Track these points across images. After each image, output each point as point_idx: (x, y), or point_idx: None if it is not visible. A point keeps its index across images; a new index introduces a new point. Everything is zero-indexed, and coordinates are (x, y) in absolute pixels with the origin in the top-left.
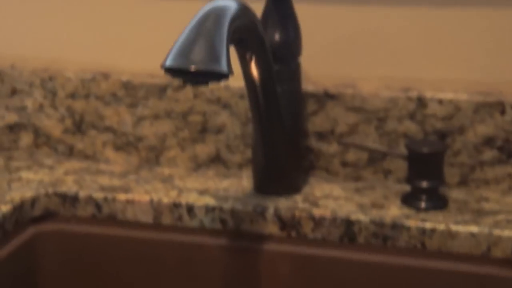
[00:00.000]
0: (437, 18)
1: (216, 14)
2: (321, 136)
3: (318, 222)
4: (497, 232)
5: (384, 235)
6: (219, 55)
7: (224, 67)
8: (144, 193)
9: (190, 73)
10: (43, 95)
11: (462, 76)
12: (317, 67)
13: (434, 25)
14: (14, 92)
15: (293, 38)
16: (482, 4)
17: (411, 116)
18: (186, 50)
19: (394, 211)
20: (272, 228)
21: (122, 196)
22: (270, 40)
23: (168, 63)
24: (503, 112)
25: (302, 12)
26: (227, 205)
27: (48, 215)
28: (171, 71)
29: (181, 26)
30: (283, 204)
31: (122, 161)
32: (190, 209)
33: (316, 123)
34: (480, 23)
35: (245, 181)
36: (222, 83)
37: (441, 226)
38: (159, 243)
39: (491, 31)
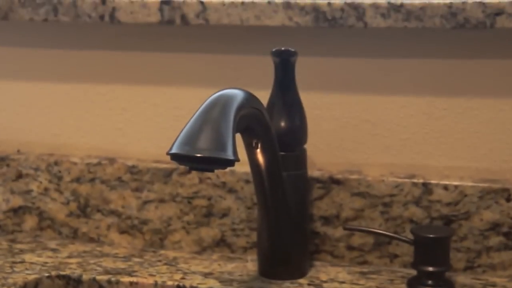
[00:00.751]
0: (441, 106)
1: (222, 103)
2: (327, 220)
3: None
4: None
5: None
6: (225, 142)
7: (230, 155)
8: (148, 275)
9: (196, 160)
10: (49, 179)
11: (467, 164)
12: (323, 153)
13: (439, 113)
14: (19, 176)
15: (299, 125)
16: (486, 94)
17: (417, 202)
18: (192, 138)
19: None
20: None
21: (126, 279)
22: (276, 127)
23: (174, 150)
24: (508, 199)
25: (308, 99)
26: None
27: None
28: (177, 158)
29: (188, 114)
30: None
31: (127, 244)
32: None
33: (322, 207)
34: (484, 111)
35: (250, 264)
36: (228, 169)
37: None
38: None
39: (496, 120)
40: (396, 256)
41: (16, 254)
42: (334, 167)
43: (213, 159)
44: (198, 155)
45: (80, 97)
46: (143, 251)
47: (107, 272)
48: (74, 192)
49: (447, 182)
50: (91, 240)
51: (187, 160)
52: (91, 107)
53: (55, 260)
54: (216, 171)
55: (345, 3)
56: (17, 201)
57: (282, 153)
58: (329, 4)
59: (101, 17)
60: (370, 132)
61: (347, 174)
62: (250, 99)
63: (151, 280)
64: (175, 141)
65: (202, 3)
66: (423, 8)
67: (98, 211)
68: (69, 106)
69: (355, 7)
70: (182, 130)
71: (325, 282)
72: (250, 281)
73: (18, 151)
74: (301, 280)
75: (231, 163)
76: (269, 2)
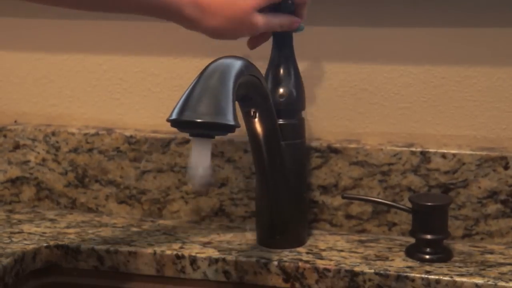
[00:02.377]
0: (440, 75)
1: (221, 70)
2: (325, 189)
3: (322, 274)
4: (502, 284)
5: (389, 287)
6: (225, 108)
7: (230, 120)
8: (147, 245)
9: (196, 126)
10: (46, 150)
11: (465, 132)
12: (321, 122)
13: (437, 82)
14: (17, 146)
15: (297, 93)
16: (485, 62)
17: (415, 170)
18: (192, 104)
19: (398, 263)
20: (276, 280)
21: (124, 248)
22: (274, 96)
23: (174, 116)
24: (506, 166)
25: (307, 69)
26: (230, 257)
27: (49, 268)
28: (177, 124)
29: (186, 83)
30: (287, 256)
31: (125, 214)
32: (193, 261)
33: (320, 176)
34: (482, 80)
35: (248, 234)
36: (226, 138)
37: (445, 278)
38: None
39: (494, 88)
40: (394, 224)
41: (14, 225)
42: (332, 136)
43: (213, 125)
44: (199, 120)
45: (77, 67)
46: (141, 221)
47: (105, 242)
48: (72, 162)
49: (445, 151)
50: (90, 210)
51: (188, 126)
52: (88, 78)
53: (54, 230)
54: (213, 140)
55: None
56: (14, 172)
57: (280, 121)
58: None
59: None
60: (368, 101)
61: (345, 143)
62: (248, 66)
63: (149, 250)
64: (175, 108)
65: None
66: None
67: (96, 181)
68: (66, 77)
69: None
70: (182, 97)
71: (324, 250)
72: (249, 250)
73: (15, 121)
74: (300, 249)
75: (231, 128)
76: None
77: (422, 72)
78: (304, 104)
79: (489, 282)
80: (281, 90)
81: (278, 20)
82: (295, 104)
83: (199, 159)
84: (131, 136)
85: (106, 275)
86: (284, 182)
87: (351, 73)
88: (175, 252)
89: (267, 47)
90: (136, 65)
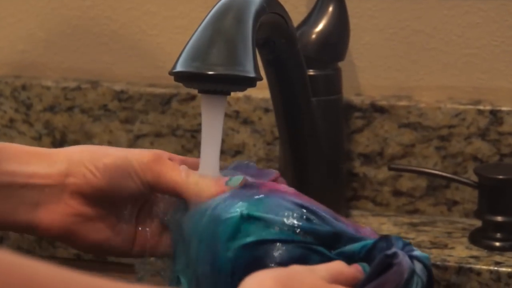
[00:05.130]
0: None
1: (237, 8)
2: (368, 158)
3: None
4: None
5: (448, 282)
6: (244, 57)
7: (250, 71)
8: None
9: (207, 79)
10: (15, 108)
11: None
12: (363, 74)
13: None
14: None
15: (334, 35)
16: None
17: (483, 134)
18: (202, 52)
19: (460, 251)
20: None
21: None
22: (303, 39)
23: (180, 67)
24: None
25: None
26: None
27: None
28: (184, 77)
29: (192, 24)
30: None
31: None
32: None
33: (361, 142)
34: None
35: None
36: (242, 93)
37: None
38: None
39: None
40: (455, 203)
41: None
42: (377, 91)
43: (229, 77)
44: (210, 72)
45: (53, 2)
46: None
47: None
48: (47, 124)
49: None
50: None
51: (197, 79)
52: (68, 16)
53: None
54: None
55: None
56: None
57: (311, 72)
58: None
59: None
60: (424, 46)
61: (393, 100)
62: (270, 2)
63: None
64: (179, 57)
65: None
66: None
67: None
68: (39, 15)
69: None
70: (188, 43)
71: None
72: None
73: None
74: None
75: (252, 82)
76: None
77: (494, 8)
78: (345, 51)
79: None
80: (312, 32)
81: None
82: (331, 51)
83: (210, 121)
84: (121, 91)
85: (90, 265)
86: (315, 149)
87: (402, 10)
88: None
89: None
90: (128, 0)
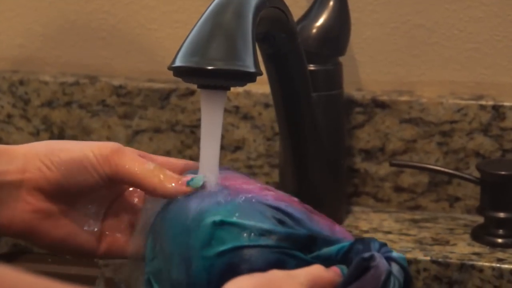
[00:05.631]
0: None
1: (237, 2)
2: (369, 154)
3: None
4: None
5: (450, 279)
6: (243, 51)
7: (250, 66)
8: None
9: (207, 74)
10: (12, 103)
11: None
12: (364, 68)
13: None
14: None
15: (335, 29)
16: None
17: (485, 130)
18: (201, 46)
19: (462, 248)
20: None
21: None
22: (303, 33)
23: (179, 62)
24: None
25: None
26: None
27: (18, 253)
28: (183, 72)
29: (191, 18)
30: None
31: None
32: None
33: (362, 138)
34: None
35: None
36: (242, 88)
37: None
38: None
39: None
40: (457, 199)
41: None
42: (378, 86)
43: (229, 72)
44: (210, 67)
45: None
46: None
47: None
48: (45, 119)
49: None
50: None
51: (196, 74)
52: (66, 10)
53: None
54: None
55: None
56: None
57: (312, 67)
58: None
59: None
60: (425, 40)
61: (395, 95)
62: None
63: None
64: (179, 52)
65: None
66: None
67: None
68: (37, 10)
69: None
70: (187, 37)
71: (366, 232)
72: None
73: None
74: None
75: (252, 76)
76: None
77: (496, 3)
78: (346, 46)
79: None
80: (312, 27)
81: None
82: (331, 45)
83: (210, 117)
84: (120, 86)
85: (88, 263)
86: (316, 145)
87: (403, 4)
88: None
89: None
90: None
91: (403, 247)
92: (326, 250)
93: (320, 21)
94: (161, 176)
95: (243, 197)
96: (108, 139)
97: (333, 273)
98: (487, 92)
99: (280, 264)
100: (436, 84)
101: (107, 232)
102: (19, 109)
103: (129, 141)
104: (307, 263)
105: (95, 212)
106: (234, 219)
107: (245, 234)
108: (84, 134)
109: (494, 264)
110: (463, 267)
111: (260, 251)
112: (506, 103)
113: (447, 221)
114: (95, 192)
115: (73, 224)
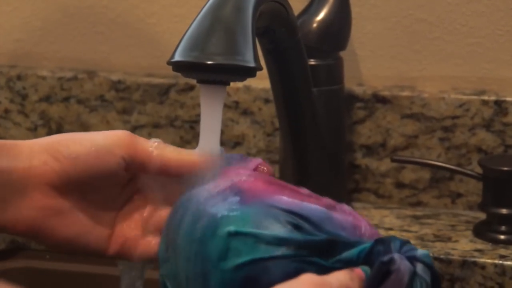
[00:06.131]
0: None
1: None
2: (370, 150)
3: None
4: None
5: (452, 276)
6: (243, 46)
7: (250, 61)
8: None
9: (206, 69)
10: (10, 98)
11: None
12: (365, 63)
13: None
14: None
15: (336, 24)
16: None
17: (487, 125)
18: (201, 41)
19: (464, 245)
20: None
21: None
22: (307, 27)
23: (178, 57)
24: None
25: None
26: None
27: (15, 250)
28: (182, 67)
29: (190, 12)
30: None
31: None
32: None
33: (363, 133)
34: None
35: None
36: (242, 84)
37: None
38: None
39: None
40: (459, 195)
41: None
42: (379, 81)
43: (228, 67)
44: (209, 62)
45: None
46: None
47: None
48: (43, 114)
49: None
50: None
51: (195, 69)
52: (64, 4)
53: None
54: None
55: None
56: None
57: (312, 62)
58: None
59: None
60: (427, 35)
61: (396, 90)
62: None
63: None
64: (178, 46)
65: None
66: None
67: None
68: (35, 3)
69: None
70: (186, 32)
71: None
72: None
73: None
74: None
75: (252, 71)
76: None
77: None
78: (347, 40)
79: None
80: (313, 21)
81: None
82: (332, 40)
83: (209, 112)
84: (119, 81)
85: (88, 260)
86: (316, 140)
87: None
88: None
89: None
90: None
91: None
92: (346, 254)
93: (321, 15)
94: (178, 149)
95: (256, 201)
96: None
97: (358, 280)
98: (489, 87)
99: (300, 273)
100: (437, 79)
101: (118, 233)
102: (17, 104)
103: None
104: (328, 269)
105: (107, 211)
106: (249, 229)
107: (261, 245)
108: (83, 129)
109: (496, 261)
110: (465, 264)
111: (278, 263)
112: (508, 98)
113: (449, 217)
114: (108, 187)
115: (83, 222)
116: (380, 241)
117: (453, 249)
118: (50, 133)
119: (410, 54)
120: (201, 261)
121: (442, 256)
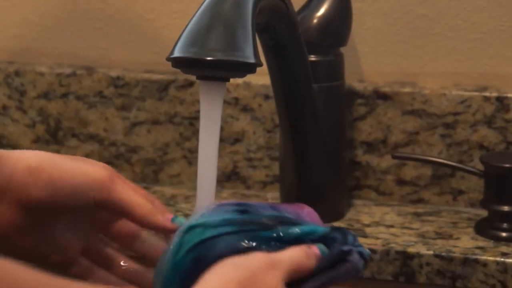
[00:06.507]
0: None
1: None
2: (371, 147)
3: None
4: None
5: (453, 273)
6: (243, 42)
7: (250, 57)
8: None
9: (206, 65)
10: (8, 94)
11: None
12: (366, 59)
13: None
14: None
15: (336, 19)
16: None
17: (489, 122)
18: (200, 37)
19: (465, 242)
20: None
21: None
22: (307, 23)
23: (178, 53)
24: None
25: None
26: None
27: None
28: (181, 63)
29: (190, 9)
30: None
31: None
32: None
33: (364, 130)
34: None
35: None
36: (241, 80)
37: None
38: None
39: None
40: (460, 192)
41: None
42: (380, 77)
43: (228, 63)
44: (209, 58)
45: None
46: None
47: None
48: (41, 111)
49: None
50: None
51: (195, 65)
52: (62, 0)
53: None
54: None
55: None
56: None
57: (312, 58)
58: None
59: None
60: (428, 31)
61: (397, 86)
62: None
63: None
64: (177, 42)
65: None
66: None
67: (73, 135)
68: (33, 0)
69: None
70: (186, 28)
71: (368, 226)
72: None
73: None
74: (337, 223)
75: (252, 67)
76: None
77: None
78: (347, 36)
79: None
80: (313, 17)
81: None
82: (332, 35)
83: (209, 109)
84: (118, 77)
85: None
86: (316, 137)
87: None
88: None
89: None
90: None
91: (406, 241)
92: (294, 229)
93: (321, 11)
94: (151, 206)
95: (213, 206)
96: (106, 131)
97: (314, 257)
98: (491, 83)
99: (250, 250)
100: (439, 75)
101: (81, 262)
102: (15, 101)
103: (127, 133)
104: (278, 241)
105: (72, 241)
106: (199, 221)
107: (209, 229)
108: (81, 126)
109: (498, 259)
110: (466, 261)
111: (224, 238)
112: (510, 95)
113: (450, 214)
114: (77, 220)
115: (46, 245)
116: (337, 229)
117: (454, 246)
118: (48, 130)
119: (411, 50)
120: (162, 264)
121: (443, 254)
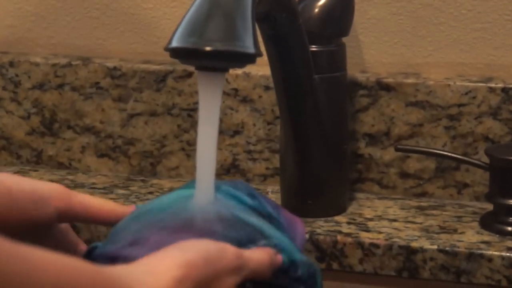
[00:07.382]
0: None
1: None
2: (373, 139)
3: (368, 251)
4: None
5: (458, 268)
6: (243, 32)
7: (250, 47)
8: None
9: (205, 56)
10: (2, 85)
11: None
12: (368, 49)
13: None
14: None
15: (337, 9)
16: None
17: (494, 113)
18: (199, 27)
19: (470, 236)
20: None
21: None
22: (308, 13)
23: (176, 43)
24: None
25: None
26: None
27: None
28: (180, 53)
29: None
30: (322, 227)
31: (107, 171)
32: None
33: (367, 122)
34: None
35: (270, 197)
36: (241, 70)
37: None
38: None
39: None
40: (465, 185)
41: None
42: (383, 67)
43: (227, 54)
44: (208, 48)
45: None
46: (129, 180)
47: None
48: (36, 102)
49: None
50: (60, 165)
51: (193, 56)
52: None
53: None
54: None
55: None
56: None
57: (314, 48)
58: None
59: None
60: (432, 20)
61: (400, 77)
62: None
63: None
64: (175, 32)
65: None
66: None
67: (69, 127)
68: None
69: None
70: (184, 17)
71: (371, 220)
72: None
73: None
74: (339, 218)
75: (251, 58)
76: None
77: None
78: (349, 26)
79: None
80: (314, 6)
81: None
82: (334, 25)
83: (207, 100)
84: (114, 68)
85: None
86: (318, 129)
87: None
88: None
89: None
90: None
91: (409, 235)
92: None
93: (322, 0)
94: (113, 202)
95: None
96: (102, 123)
97: (275, 266)
98: (496, 74)
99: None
100: (443, 65)
101: None
102: (9, 92)
103: (124, 125)
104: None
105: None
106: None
107: None
108: (77, 117)
109: (503, 253)
110: (471, 256)
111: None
112: None
113: (454, 208)
114: (34, 233)
115: None
116: (309, 264)
117: (459, 241)
118: (43, 121)
119: (415, 40)
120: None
121: (447, 249)
